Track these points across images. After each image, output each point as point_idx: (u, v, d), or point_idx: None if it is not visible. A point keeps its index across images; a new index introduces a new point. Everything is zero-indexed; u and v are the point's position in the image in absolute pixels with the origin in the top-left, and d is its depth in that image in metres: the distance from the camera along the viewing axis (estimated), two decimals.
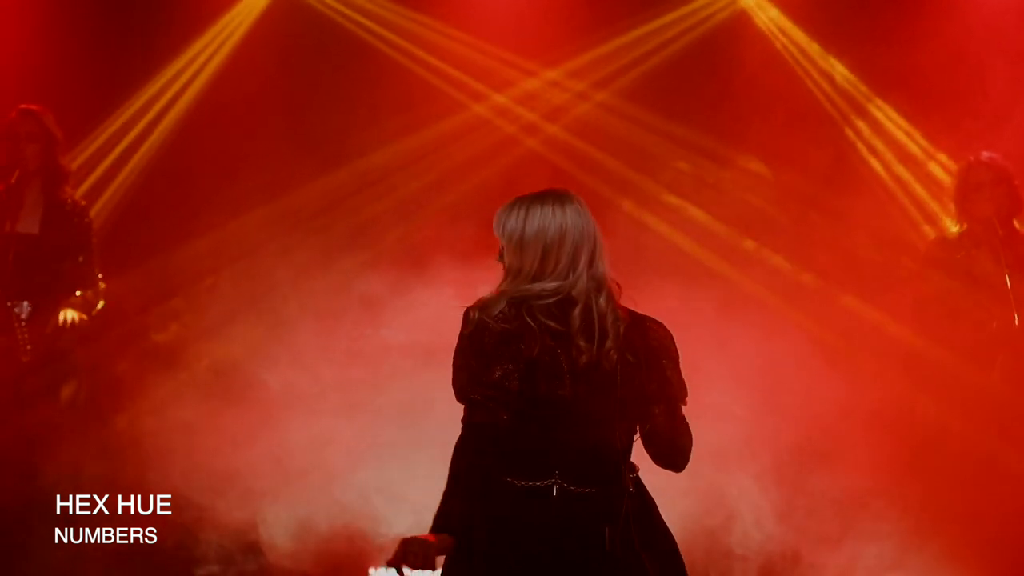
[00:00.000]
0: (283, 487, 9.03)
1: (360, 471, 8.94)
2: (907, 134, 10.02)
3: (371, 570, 9.06)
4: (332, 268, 9.56)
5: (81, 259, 9.22)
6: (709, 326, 9.06)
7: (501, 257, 5.14)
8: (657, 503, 5.24)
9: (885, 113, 10.05)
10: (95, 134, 10.05)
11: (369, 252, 9.59)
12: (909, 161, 10.03)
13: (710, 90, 9.94)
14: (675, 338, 5.33)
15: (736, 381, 8.96)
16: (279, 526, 9.08)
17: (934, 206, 9.95)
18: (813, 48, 10.11)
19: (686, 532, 9.00)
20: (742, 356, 9.03)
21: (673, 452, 5.21)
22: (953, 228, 9.48)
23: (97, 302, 9.27)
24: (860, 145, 10.06)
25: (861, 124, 10.07)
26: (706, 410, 8.87)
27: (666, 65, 10.18)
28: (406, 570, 4.97)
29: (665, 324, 5.35)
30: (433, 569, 5.00)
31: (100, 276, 9.30)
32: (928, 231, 9.83)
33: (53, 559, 8.95)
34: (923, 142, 9.99)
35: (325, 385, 9.08)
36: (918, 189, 10.03)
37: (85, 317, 9.20)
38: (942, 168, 9.93)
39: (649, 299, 8.89)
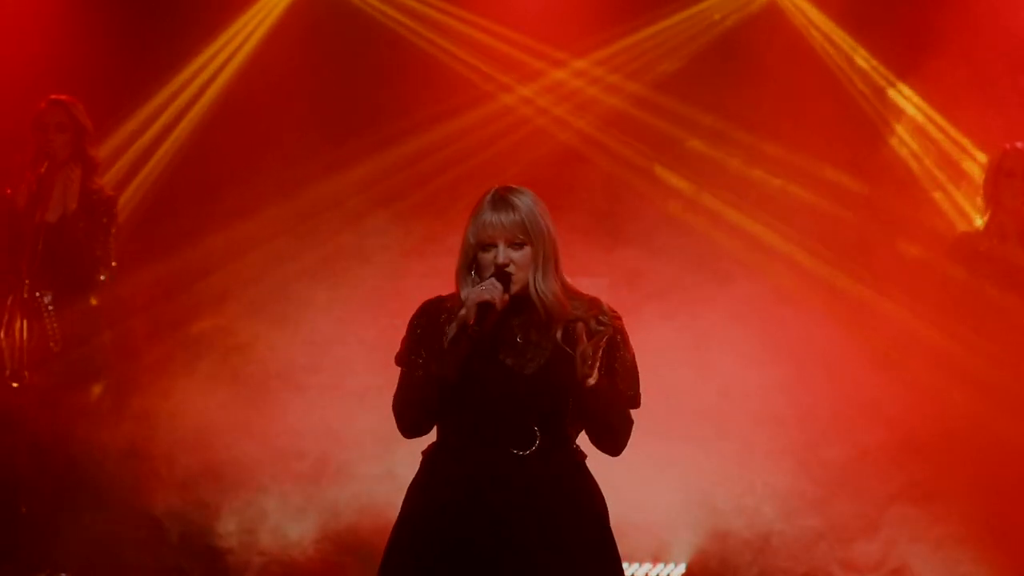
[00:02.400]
0: (303, 472, 9.04)
1: (381, 455, 8.94)
2: (941, 128, 9.96)
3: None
4: (358, 256, 9.56)
5: (107, 248, 9.23)
6: (742, 318, 9.04)
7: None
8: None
9: (917, 105, 10.00)
10: (125, 124, 10.06)
11: (397, 240, 9.58)
12: (944, 154, 9.98)
13: (741, 81, 9.89)
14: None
15: (773, 374, 8.93)
16: (298, 512, 9.10)
17: (965, 198, 9.91)
18: (844, 39, 10.07)
19: (715, 521, 8.98)
20: (779, 350, 9.01)
21: None
22: (978, 220, 9.45)
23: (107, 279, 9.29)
24: (892, 136, 10.02)
25: (893, 116, 10.03)
26: (742, 402, 8.89)
27: (696, 55, 10.15)
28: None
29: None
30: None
31: (113, 263, 9.30)
32: (960, 223, 9.79)
33: (85, 537, 8.99)
34: (964, 140, 9.93)
35: (351, 370, 9.09)
36: (950, 181, 9.99)
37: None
38: (975, 161, 9.88)
39: (680, 291, 8.91)
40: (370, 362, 9.01)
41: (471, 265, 5.12)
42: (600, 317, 5.11)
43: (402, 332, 5.14)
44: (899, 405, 9.02)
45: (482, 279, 5.07)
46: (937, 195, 9.92)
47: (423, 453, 5.24)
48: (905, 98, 9.99)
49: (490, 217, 5.07)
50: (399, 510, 5.17)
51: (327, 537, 9.14)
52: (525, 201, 5.10)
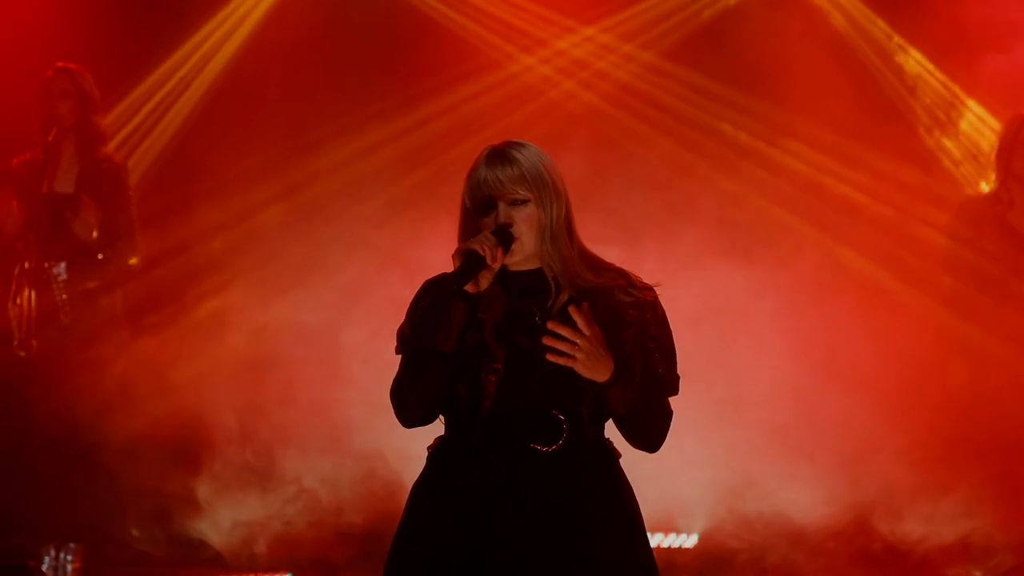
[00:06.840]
0: (306, 444, 9.05)
1: (380, 428, 8.93)
2: (961, 100, 9.90)
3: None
4: (368, 225, 9.53)
5: (118, 217, 9.22)
6: (746, 302, 9.00)
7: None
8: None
9: (931, 71, 9.94)
10: (134, 93, 10.07)
11: (404, 209, 9.55)
12: (956, 118, 9.92)
13: (754, 50, 9.83)
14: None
15: (786, 356, 8.89)
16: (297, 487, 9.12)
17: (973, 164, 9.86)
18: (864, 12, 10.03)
19: (722, 503, 8.96)
20: (806, 329, 8.96)
21: None
22: (985, 186, 9.41)
23: (131, 256, 9.27)
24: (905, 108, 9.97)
25: (910, 86, 9.98)
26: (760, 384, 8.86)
27: (708, 24, 10.09)
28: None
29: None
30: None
31: (137, 234, 9.30)
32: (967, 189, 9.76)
33: (94, 509, 9.01)
34: (981, 110, 9.87)
35: (346, 344, 9.06)
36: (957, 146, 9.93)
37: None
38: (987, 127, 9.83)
39: (686, 264, 8.87)
40: (387, 329, 8.96)
41: (471, 233, 4.42)
42: (629, 289, 4.45)
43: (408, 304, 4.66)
44: (898, 382, 8.96)
45: None
46: (946, 161, 9.87)
47: (428, 449, 4.50)
48: (918, 64, 9.92)
49: (485, 173, 4.40)
50: (402, 513, 4.50)
51: (342, 502, 9.13)
52: (526, 153, 4.42)
